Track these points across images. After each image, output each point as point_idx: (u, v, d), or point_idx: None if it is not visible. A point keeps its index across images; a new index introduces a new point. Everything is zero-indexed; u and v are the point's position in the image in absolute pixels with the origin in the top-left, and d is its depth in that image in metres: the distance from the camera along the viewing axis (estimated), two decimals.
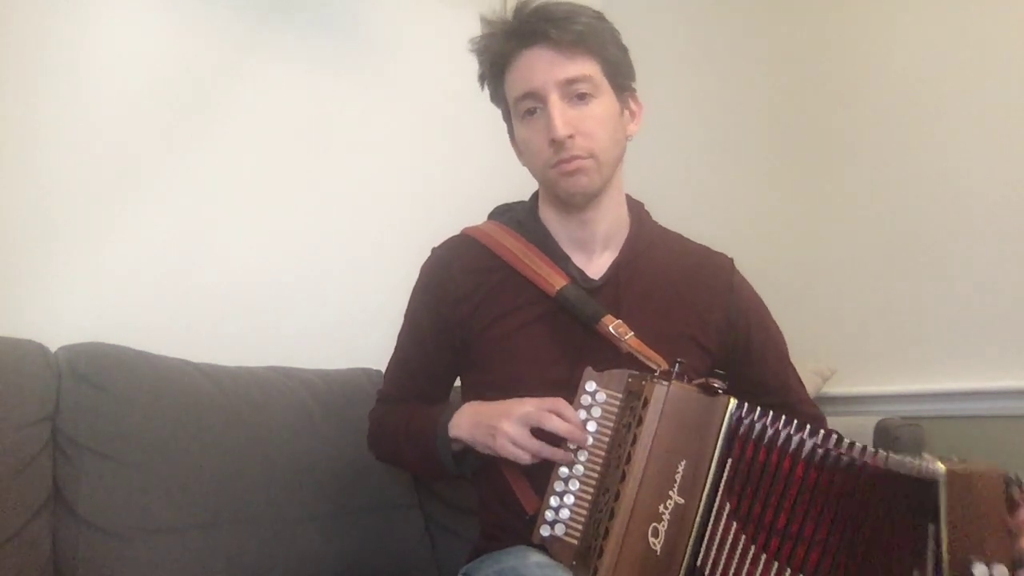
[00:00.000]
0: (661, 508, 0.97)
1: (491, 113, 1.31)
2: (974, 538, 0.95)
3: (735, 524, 0.98)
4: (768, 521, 0.99)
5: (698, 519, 0.98)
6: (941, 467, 0.98)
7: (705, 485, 0.98)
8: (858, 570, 0.97)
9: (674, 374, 1.02)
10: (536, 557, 1.06)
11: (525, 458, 1.08)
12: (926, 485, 0.97)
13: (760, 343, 1.29)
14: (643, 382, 1.02)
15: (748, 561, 0.98)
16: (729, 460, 0.99)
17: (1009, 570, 0.95)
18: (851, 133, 2.04)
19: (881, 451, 1.00)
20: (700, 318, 1.25)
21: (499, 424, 1.09)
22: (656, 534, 0.97)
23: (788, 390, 1.30)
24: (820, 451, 0.99)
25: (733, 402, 1.01)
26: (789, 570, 0.97)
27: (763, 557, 0.98)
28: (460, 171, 2.06)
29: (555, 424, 1.06)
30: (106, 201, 1.57)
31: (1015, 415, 1.73)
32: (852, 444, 1.00)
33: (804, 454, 1.00)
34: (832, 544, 0.98)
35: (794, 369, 1.34)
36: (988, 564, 0.94)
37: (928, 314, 1.87)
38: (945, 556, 0.95)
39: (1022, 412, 1.72)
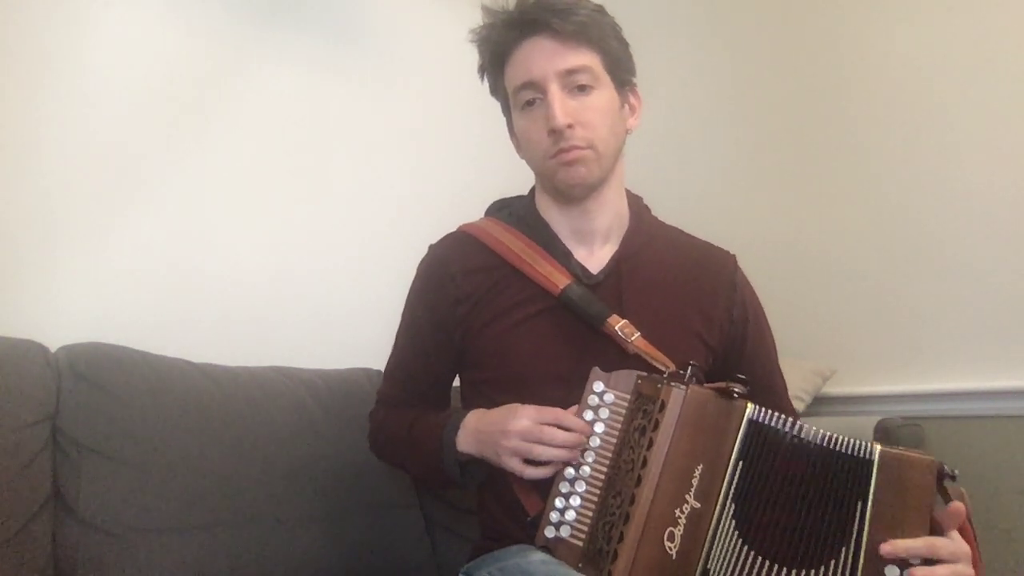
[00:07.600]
0: (677, 512, 0.98)
1: (489, 111, 1.31)
2: (895, 521, 0.96)
3: (734, 523, 0.99)
4: (754, 516, 1.00)
5: (713, 523, 0.98)
6: (877, 447, 0.99)
7: (721, 489, 0.99)
8: (802, 547, 0.98)
9: (687, 376, 1.02)
10: (538, 555, 1.06)
11: (533, 474, 1.08)
12: (862, 464, 0.99)
13: (753, 343, 1.29)
14: (657, 385, 1.02)
15: (740, 556, 0.98)
16: (741, 463, 1.00)
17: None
18: (852, 132, 2.04)
19: (820, 430, 1.01)
20: (704, 314, 1.25)
21: (500, 442, 1.09)
22: (672, 538, 0.97)
23: (771, 393, 1.29)
24: (795, 442, 1.00)
25: (750, 407, 1.01)
26: (760, 558, 0.98)
27: (745, 548, 0.99)
28: (459, 170, 2.06)
29: (559, 438, 1.05)
30: (106, 201, 1.57)
31: (1015, 415, 1.73)
32: (795, 424, 1.01)
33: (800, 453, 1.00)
34: (789, 526, 0.99)
35: (781, 376, 1.33)
36: (902, 571, 0.95)
37: (928, 314, 1.87)
38: (866, 534, 0.97)
39: (1022, 412, 1.72)
